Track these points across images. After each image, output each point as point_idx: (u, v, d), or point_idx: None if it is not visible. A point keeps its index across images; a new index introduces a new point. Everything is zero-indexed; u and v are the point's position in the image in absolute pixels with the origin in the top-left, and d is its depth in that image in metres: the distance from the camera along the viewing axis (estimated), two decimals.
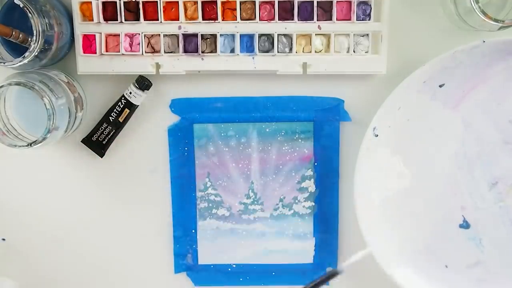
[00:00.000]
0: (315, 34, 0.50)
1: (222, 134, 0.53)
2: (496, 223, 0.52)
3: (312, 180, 0.54)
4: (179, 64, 0.50)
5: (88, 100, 0.53)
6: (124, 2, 0.49)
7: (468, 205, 0.52)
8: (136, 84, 0.51)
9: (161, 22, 0.50)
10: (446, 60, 0.48)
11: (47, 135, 0.46)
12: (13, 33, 0.45)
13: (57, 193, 0.54)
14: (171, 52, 0.50)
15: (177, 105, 0.53)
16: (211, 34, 0.50)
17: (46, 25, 0.45)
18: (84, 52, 0.50)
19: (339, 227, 0.54)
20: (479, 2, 0.45)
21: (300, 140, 0.53)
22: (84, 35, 0.50)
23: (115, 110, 0.51)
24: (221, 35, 0.50)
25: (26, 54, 0.45)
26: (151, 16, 0.50)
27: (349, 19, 0.50)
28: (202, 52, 0.50)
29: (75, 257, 0.56)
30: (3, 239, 0.55)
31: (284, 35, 0.50)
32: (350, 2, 0.49)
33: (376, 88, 0.52)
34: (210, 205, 0.54)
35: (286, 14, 0.50)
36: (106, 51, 0.50)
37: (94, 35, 0.50)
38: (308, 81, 0.52)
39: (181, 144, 0.53)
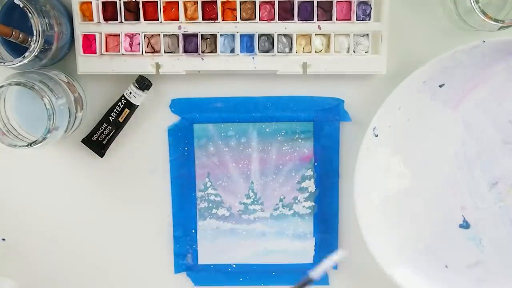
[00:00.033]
0: (315, 34, 0.50)
1: (222, 134, 0.53)
2: (496, 223, 0.52)
3: (312, 180, 0.54)
4: (179, 64, 0.50)
5: (88, 100, 0.53)
6: (124, 2, 0.49)
7: (468, 205, 0.52)
8: (136, 84, 0.51)
9: (161, 22, 0.50)
10: (446, 60, 0.48)
11: (47, 135, 0.46)
12: (13, 33, 0.45)
13: (57, 193, 0.54)
14: (171, 52, 0.50)
15: (177, 105, 0.53)
16: (211, 34, 0.50)
17: (46, 25, 0.45)
18: (84, 52, 0.50)
19: (339, 227, 0.54)
20: (479, 2, 0.45)
21: (300, 140, 0.53)
22: (84, 35, 0.50)
23: (115, 110, 0.51)
24: (221, 35, 0.50)
25: (26, 54, 0.45)
26: (151, 16, 0.50)
27: (349, 19, 0.50)
28: (202, 52, 0.50)
29: (75, 257, 0.56)
30: (3, 239, 0.55)
31: (284, 35, 0.50)
32: (350, 2, 0.49)
33: (376, 88, 0.52)
34: (210, 205, 0.54)
35: (286, 14, 0.50)
36: (106, 51, 0.50)
37: (94, 35, 0.50)
38: (308, 81, 0.52)
39: (181, 144, 0.53)
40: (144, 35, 0.50)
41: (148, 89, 0.51)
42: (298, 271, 0.55)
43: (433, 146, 0.52)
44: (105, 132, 0.52)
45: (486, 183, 0.52)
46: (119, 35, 0.50)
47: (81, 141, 0.53)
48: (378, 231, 0.51)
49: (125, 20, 0.50)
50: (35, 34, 0.44)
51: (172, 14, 0.49)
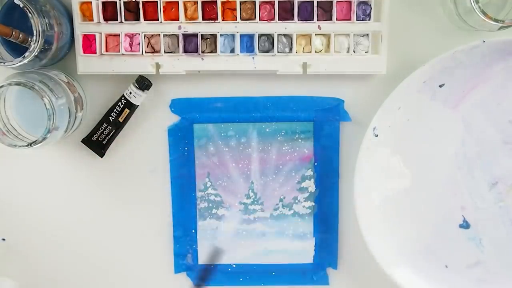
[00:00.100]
0: (315, 34, 0.50)
1: (222, 134, 0.53)
2: (496, 223, 0.52)
3: (312, 180, 0.54)
4: (179, 64, 0.50)
5: (88, 100, 0.53)
6: (124, 2, 0.49)
7: (468, 205, 0.52)
8: (136, 84, 0.51)
9: (161, 22, 0.50)
10: (446, 60, 0.48)
11: (47, 135, 0.46)
12: (13, 33, 0.45)
13: (57, 193, 0.54)
14: (171, 52, 0.50)
15: (177, 105, 0.53)
16: (211, 34, 0.50)
17: (46, 25, 0.45)
18: (84, 52, 0.50)
19: (339, 227, 0.54)
20: (479, 2, 0.45)
21: (300, 140, 0.53)
22: (84, 35, 0.50)
23: (115, 110, 0.51)
24: (221, 35, 0.50)
25: (26, 54, 0.45)
26: (151, 16, 0.50)
27: (349, 19, 0.50)
28: (202, 52, 0.50)
29: (75, 257, 0.56)
30: (3, 239, 0.55)
31: (284, 35, 0.50)
32: (350, 2, 0.49)
33: (376, 88, 0.52)
34: (210, 205, 0.54)
35: (286, 14, 0.50)
36: (106, 51, 0.50)
37: (94, 35, 0.50)
38: (308, 81, 0.52)
39: (181, 144, 0.53)
40: (144, 35, 0.50)
41: (148, 89, 0.51)
42: (298, 271, 0.55)
43: (433, 146, 0.52)
44: (105, 132, 0.52)
45: (486, 183, 0.52)
46: (119, 35, 0.50)
47: (81, 141, 0.53)
48: (378, 231, 0.51)
49: (125, 20, 0.50)
50: (35, 34, 0.44)
51: (172, 14, 0.49)
